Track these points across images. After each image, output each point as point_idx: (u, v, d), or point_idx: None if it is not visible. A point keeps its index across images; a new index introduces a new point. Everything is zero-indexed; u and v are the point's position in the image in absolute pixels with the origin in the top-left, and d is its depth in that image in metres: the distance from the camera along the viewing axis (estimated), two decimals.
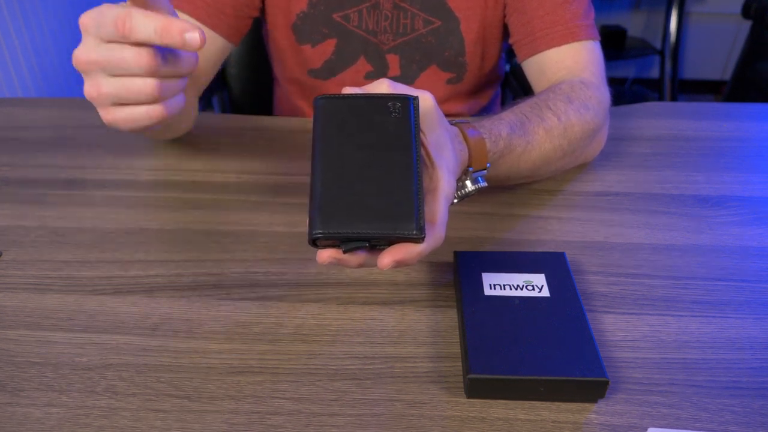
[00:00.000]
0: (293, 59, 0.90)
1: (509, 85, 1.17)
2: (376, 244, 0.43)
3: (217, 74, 1.20)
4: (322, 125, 0.44)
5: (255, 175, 0.75)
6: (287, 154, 0.79)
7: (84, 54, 0.47)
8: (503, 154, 0.61)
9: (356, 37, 0.86)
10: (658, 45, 2.57)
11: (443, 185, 0.47)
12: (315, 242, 0.42)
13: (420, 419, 0.46)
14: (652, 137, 0.83)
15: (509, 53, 0.94)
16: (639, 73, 2.85)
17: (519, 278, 0.54)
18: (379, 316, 0.55)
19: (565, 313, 0.50)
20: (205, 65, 0.79)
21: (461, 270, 0.55)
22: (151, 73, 0.47)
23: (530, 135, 0.64)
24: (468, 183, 0.59)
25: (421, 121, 0.47)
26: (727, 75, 2.77)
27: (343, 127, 0.44)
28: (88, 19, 0.47)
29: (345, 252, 0.43)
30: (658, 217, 0.68)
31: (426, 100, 0.48)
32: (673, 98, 2.37)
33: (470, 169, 0.58)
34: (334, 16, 0.84)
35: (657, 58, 2.70)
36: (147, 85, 0.48)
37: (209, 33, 0.78)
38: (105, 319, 0.54)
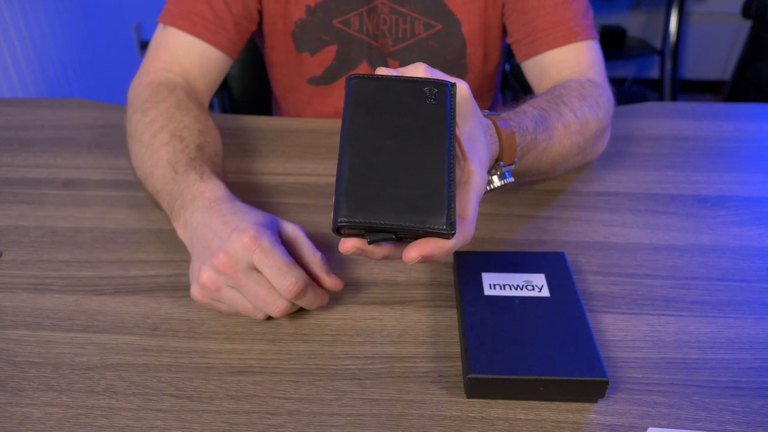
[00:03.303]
0: (293, 67, 0.89)
1: (509, 85, 1.17)
2: (402, 237, 0.41)
3: None
4: (353, 106, 0.42)
5: (255, 175, 0.75)
6: (287, 154, 0.79)
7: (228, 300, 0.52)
8: (529, 149, 0.60)
9: (358, 42, 0.85)
10: (658, 45, 2.57)
11: (475, 179, 0.44)
12: (339, 230, 0.40)
13: (420, 419, 0.46)
14: (652, 137, 0.83)
15: (508, 53, 0.93)
16: (639, 73, 2.86)
17: (519, 278, 0.54)
18: (379, 316, 0.55)
19: (565, 313, 0.50)
20: (208, 84, 0.79)
21: (461, 270, 0.55)
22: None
23: (551, 131, 0.63)
24: (495, 178, 0.58)
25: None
26: (727, 75, 2.77)
27: (376, 110, 0.42)
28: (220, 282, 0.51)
29: (370, 243, 0.41)
30: (658, 217, 0.68)
31: (462, 89, 0.45)
32: (673, 98, 2.37)
33: (501, 164, 0.57)
34: (335, 22, 0.83)
35: (657, 58, 2.71)
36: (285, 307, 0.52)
37: (210, 50, 0.78)
38: (105, 319, 0.54)
